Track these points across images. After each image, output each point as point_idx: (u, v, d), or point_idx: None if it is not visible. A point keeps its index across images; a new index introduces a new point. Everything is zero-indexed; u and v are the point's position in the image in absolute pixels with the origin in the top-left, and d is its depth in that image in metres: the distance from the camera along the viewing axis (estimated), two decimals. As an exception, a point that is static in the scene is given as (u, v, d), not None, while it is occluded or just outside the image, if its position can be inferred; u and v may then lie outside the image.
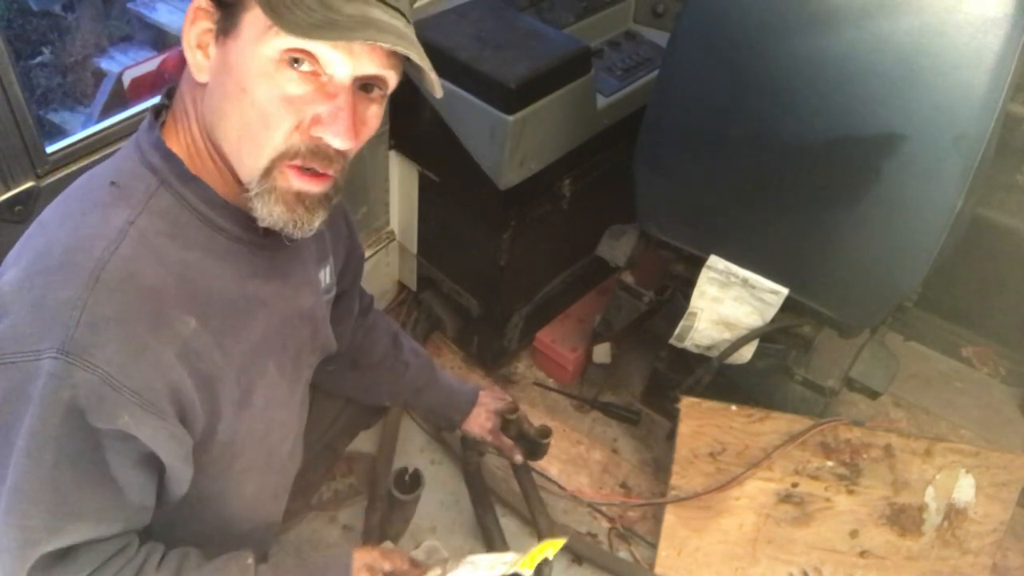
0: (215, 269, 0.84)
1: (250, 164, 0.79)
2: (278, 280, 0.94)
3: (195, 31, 0.77)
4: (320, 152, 0.78)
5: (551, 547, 1.01)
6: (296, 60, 0.74)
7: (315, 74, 0.75)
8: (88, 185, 0.83)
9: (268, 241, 0.90)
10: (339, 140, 0.77)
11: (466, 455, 1.62)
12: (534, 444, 1.42)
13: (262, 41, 0.73)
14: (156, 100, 0.89)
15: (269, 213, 0.80)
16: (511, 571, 0.96)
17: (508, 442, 1.44)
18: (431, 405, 1.45)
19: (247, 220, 0.85)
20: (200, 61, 0.78)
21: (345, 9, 0.72)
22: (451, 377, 1.48)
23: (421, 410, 1.54)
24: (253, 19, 0.73)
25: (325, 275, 1.08)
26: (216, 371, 0.84)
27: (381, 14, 0.75)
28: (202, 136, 0.83)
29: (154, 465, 0.83)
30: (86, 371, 0.72)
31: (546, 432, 1.40)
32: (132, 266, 0.76)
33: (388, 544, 1.36)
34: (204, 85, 0.79)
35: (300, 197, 0.80)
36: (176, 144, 0.84)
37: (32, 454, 0.74)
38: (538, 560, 0.98)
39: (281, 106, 0.75)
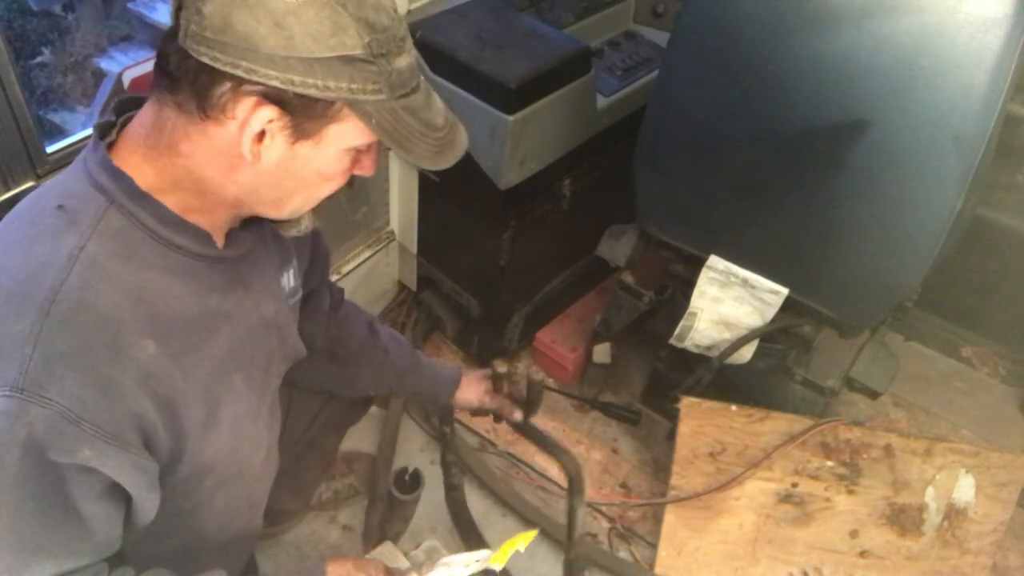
0: (172, 288, 0.83)
1: (296, 210, 0.88)
2: (240, 291, 0.92)
3: (253, 130, 0.76)
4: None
5: (522, 540, 1.02)
6: None
7: None
8: (35, 209, 0.81)
9: (227, 254, 0.89)
10: (370, 173, 0.88)
11: (450, 496, 1.62)
12: (529, 395, 1.40)
13: (353, 143, 0.81)
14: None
15: (304, 226, 0.92)
16: (484, 567, 0.99)
17: (505, 401, 1.41)
18: (415, 388, 1.42)
19: (203, 235, 0.84)
20: (254, 148, 0.77)
21: (436, 120, 0.82)
22: (432, 359, 1.45)
23: (406, 395, 1.52)
24: (345, 129, 0.78)
25: (289, 278, 1.06)
26: (178, 394, 0.83)
27: (438, 100, 0.84)
28: (204, 180, 0.81)
29: (120, 495, 0.81)
30: (42, 407, 0.71)
31: (537, 370, 1.41)
32: (84, 295, 0.74)
33: (387, 545, 1.36)
34: (237, 157, 0.79)
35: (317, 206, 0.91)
36: (128, 163, 0.81)
37: None
38: (510, 553, 0.99)
39: (344, 172, 0.85)
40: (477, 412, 1.46)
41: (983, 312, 2.06)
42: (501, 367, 1.38)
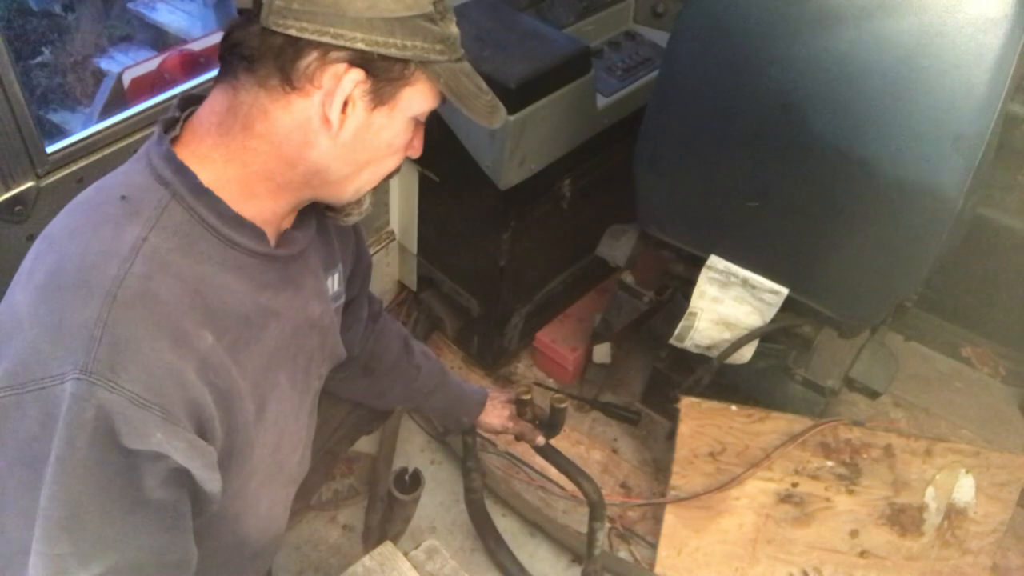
0: (228, 283, 0.83)
1: (359, 189, 0.92)
2: (290, 290, 0.93)
3: (343, 94, 0.79)
4: None
5: None
6: None
7: None
8: (97, 198, 0.82)
9: (279, 253, 0.89)
10: (418, 154, 0.94)
11: (469, 499, 1.61)
12: (551, 419, 1.43)
13: (419, 110, 0.85)
14: (163, 108, 0.89)
15: (366, 208, 0.97)
16: None
17: (528, 425, 1.44)
18: (442, 407, 1.44)
19: (260, 233, 0.85)
20: (336, 117, 0.80)
21: (481, 85, 0.89)
22: (460, 379, 1.47)
23: (431, 413, 1.53)
24: (415, 93, 0.83)
25: (333, 282, 1.07)
26: (233, 387, 0.83)
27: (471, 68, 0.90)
28: (274, 159, 0.82)
29: (186, 485, 0.80)
30: (110, 392, 0.71)
31: (561, 399, 1.40)
32: (147, 284, 0.75)
33: (387, 545, 1.35)
34: (314, 132, 0.81)
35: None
36: (194, 156, 0.82)
37: (60, 480, 0.72)
38: None
39: (405, 147, 0.91)
40: (499, 434, 1.49)
41: (983, 312, 2.06)
42: (525, 395, 1.40)
